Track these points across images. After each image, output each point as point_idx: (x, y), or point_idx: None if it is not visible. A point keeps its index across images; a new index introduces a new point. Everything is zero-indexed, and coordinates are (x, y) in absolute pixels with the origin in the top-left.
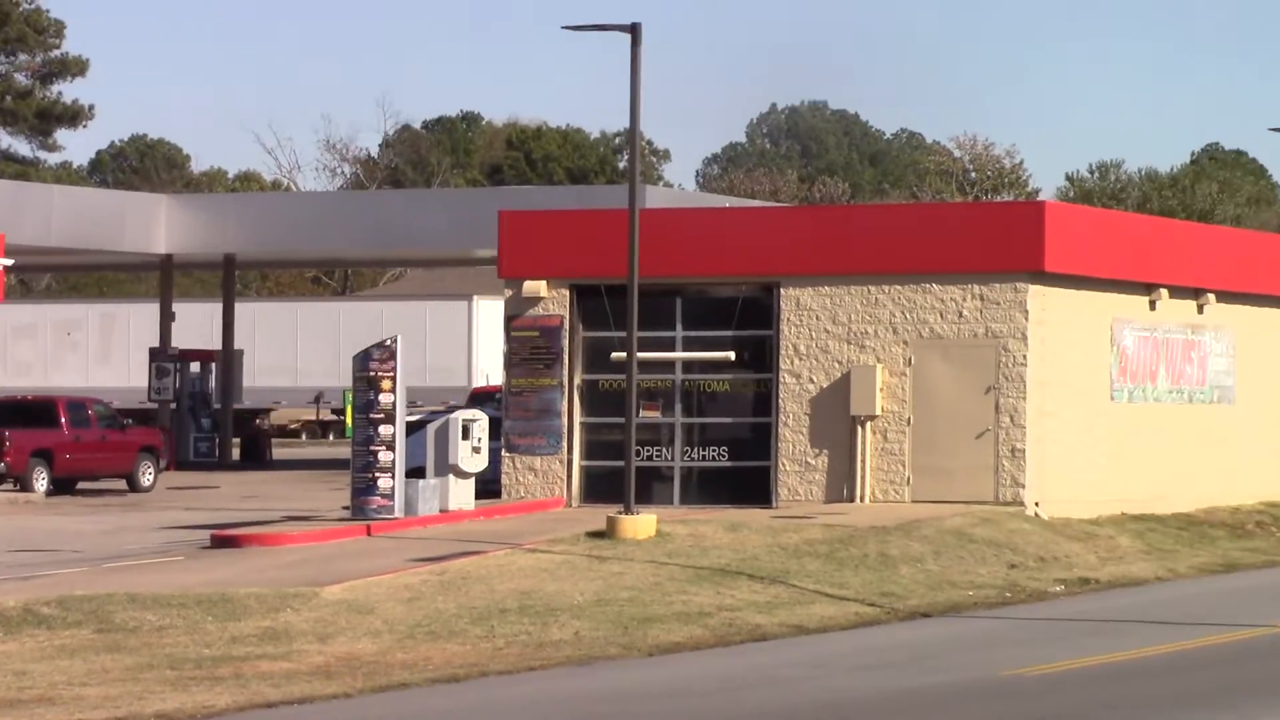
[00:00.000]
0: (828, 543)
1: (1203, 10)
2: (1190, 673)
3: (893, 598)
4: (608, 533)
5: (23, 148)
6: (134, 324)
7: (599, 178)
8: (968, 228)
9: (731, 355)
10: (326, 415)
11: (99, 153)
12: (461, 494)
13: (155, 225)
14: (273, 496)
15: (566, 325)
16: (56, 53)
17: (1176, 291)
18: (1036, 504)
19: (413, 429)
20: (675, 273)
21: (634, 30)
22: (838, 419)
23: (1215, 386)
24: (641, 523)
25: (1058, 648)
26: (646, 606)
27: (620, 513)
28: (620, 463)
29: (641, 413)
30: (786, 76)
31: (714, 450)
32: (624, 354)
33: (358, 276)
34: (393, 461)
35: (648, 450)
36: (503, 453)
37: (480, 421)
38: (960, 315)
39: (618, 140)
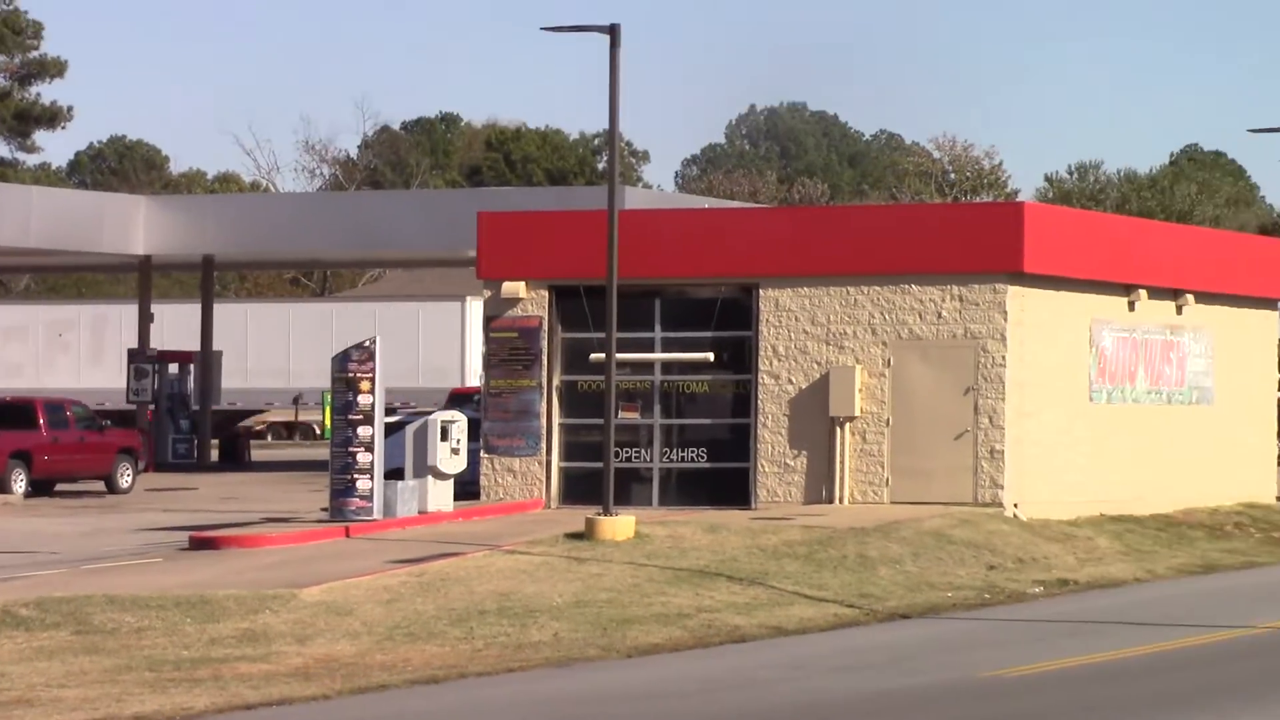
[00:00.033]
0: (807, 544)
1: (1182, 12)
2: (1169, 674)
3: (872, 599)
4: (586, 534)
5: (1, 149)
6: (125, 326)
7: (578, 179)
8: (947, 229)
9: (710, 356)
10: (293, 417)
11: (78, 154)
12: (440, 495)
13: (134, 226)
14: (251, 498)
15: (545, 326)
16: (35, 54)
17: (1155, 292)
18: (1015, 505)
19: (391, 430)
20: (654, 274)
21: (613, 31)
22: (817, 420)
23: (1194, 387)
24: (620, 524)
25: (1037, 649)
26: (625, 608)
27: (599, 514)
28: (599, 464)
29: (620, 414)
30: (765, 77)
31: (693, 451)
32: (603, 355)
33: (336, 278)
34: (371, 463)
35: (627, 451)
36: (481, 454)
37: (459, 423)
38: (939, 316)
39: (597, 141)
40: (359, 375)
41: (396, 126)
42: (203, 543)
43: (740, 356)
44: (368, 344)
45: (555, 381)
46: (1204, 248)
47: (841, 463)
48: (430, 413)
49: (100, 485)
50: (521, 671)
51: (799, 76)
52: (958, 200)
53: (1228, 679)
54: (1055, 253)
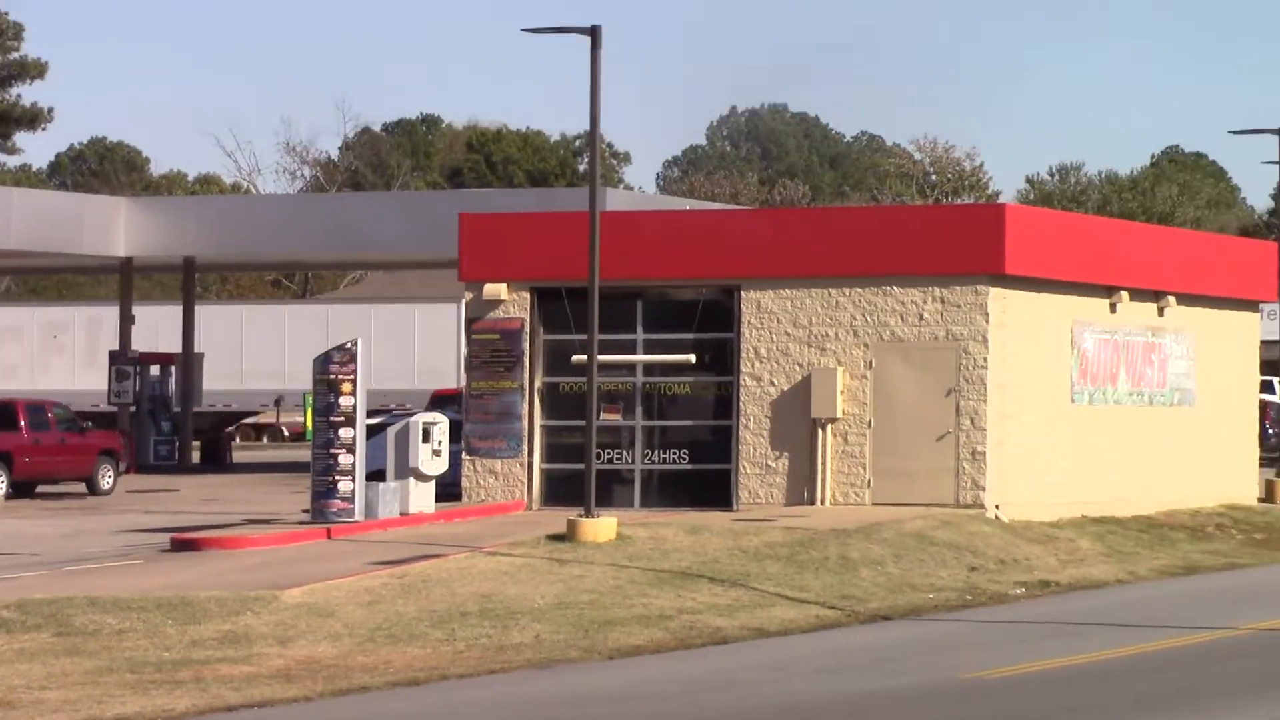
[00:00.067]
0: (788, 545)
1: (1163, 14)
2: (1151, 675)
3: (853, 600)
4: (568, 536)
5: None
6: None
7: (559, 180)
8: (928, 230)
9: (692, 358)
10: (274, 419)
11: (58, 155)
12: (422, 497)
13: (115, 228)
14: (233, 499)
15: (527, 328)
16: (15, 55)
17: (1137, 294)
18: (997, 506)
19: (373, 432)
20: (636, 275)
21: (594, 33)
22: (798, 422)
23: (1175, 389)
24: (602, 526)
25: (1018, 650)
26: (607, 609)
27: (581, 516)
28: (581, 466)
29: (602, 415)
30: (746, 79)
31: (675, 453)
32: (585, 357)
33: (318, 279)
34: (353, 464)
35: (608, 453)
36: (463, 456)
37: (440, 424)
38: (921, 318)
39: (578, 143)
40: (340, 377)
41: (377, 128)
42: (184, 544)
43: (722, 358)
44: (349, 345)
45: (537, 383)
46: (1185, 249)
47: (823, 464)
48: (398, 414)
49: (81, 487)
50: (503, 673)
51: (780, 78)
52: (939, 202)
53: (1209, 680)
54: (1037, 254)
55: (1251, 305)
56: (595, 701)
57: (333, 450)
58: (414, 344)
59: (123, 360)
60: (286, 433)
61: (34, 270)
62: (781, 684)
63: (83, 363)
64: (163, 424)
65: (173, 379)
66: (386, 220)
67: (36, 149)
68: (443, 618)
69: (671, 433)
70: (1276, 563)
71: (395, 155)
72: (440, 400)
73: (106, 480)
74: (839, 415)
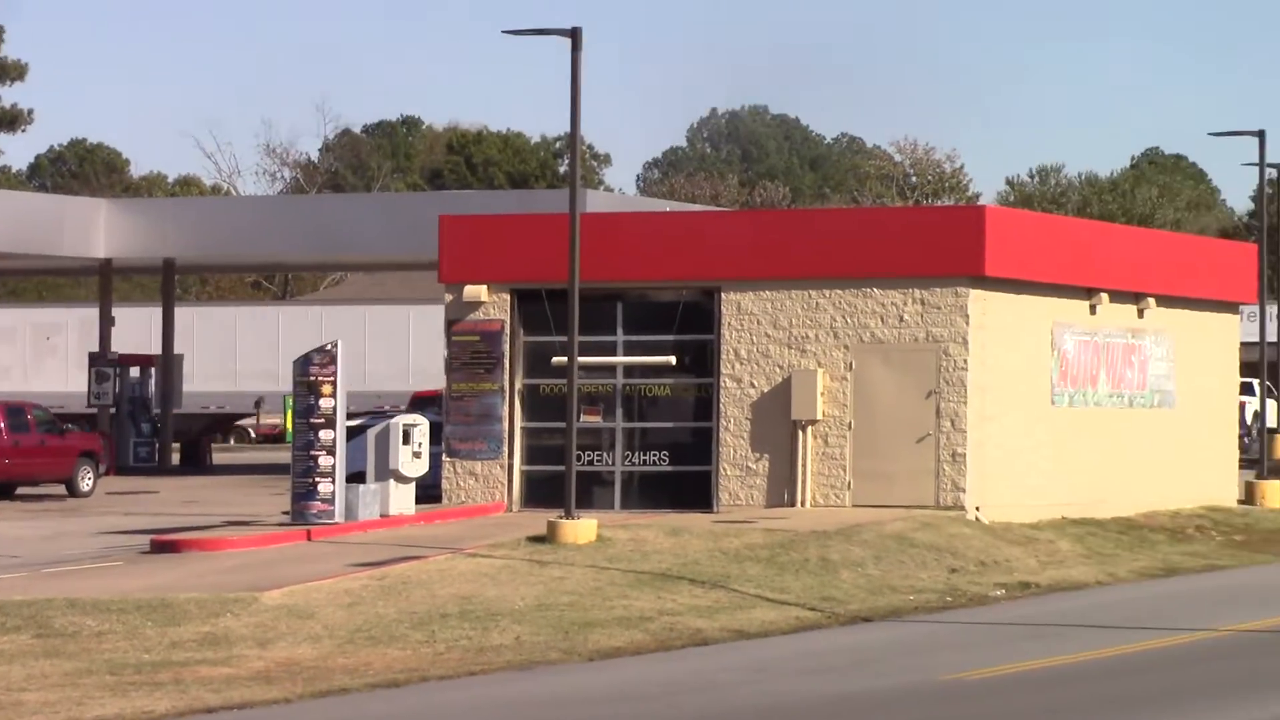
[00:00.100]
0: (768, 547)
1: (1143, 15)
2: (1131, 676)
3: (833, 602)
4: (548, 537)
5: None
6: (114, 329)
7: (540, 182)
8: (908, 232)
9: (672, 360)
10: (255, 420)
11: (38, 157)
12: (402, 499)
13: (94, 230)
14: (213, 501)
15: (507, 330)
16: None
17: (1117, 296)
18: (977, 508)
19: (353, 434)
20: (616, 277)
21: (574, 34)
22: (779, 423)
23: (1155, 390)
24: (582, 527)
25: (999, 652)
26: (587, 611)
27: (561, 517)
28: (561, 467)
29: (582, 417)
30: (727, 80)
31: (655, 455)
32: (565, 359)
33: (298, 281)
34: (333, 466)
35: (588, 455)
36: (443, 457)
37: (421, 426)
38: (901, 320)
39: (558, 144)
40: (320, 379)
41: (357, 130)
42: (164, 546)
43: (702, 360)
44: (329, 347)
45: (517, 385)
46: (1165, 251)
47: (803, 466)
48: (380, 414)
49: (61, 488)
50: (483, 675)
51: (760, 79)
52: (919, 204)
53: (1189, 681)
54: (1017, 256)
55: (1231, 307)
56: (575, 703)
57: (313, 452)
58: (408, 345)
59: (102, 362)
60: (254, 434)
61: (13, 272)
62: (762, 685)
63: (75, 364)
64: (142, 426)
65: (153, 381)
66: (367, 222)
67: (16, 151)
68: (423, 619)
69: (652, 434)
70: (1256, 564)
71: (375, 157)
72: (420, 402)
73: (86, 482)
74: (819, 417)
